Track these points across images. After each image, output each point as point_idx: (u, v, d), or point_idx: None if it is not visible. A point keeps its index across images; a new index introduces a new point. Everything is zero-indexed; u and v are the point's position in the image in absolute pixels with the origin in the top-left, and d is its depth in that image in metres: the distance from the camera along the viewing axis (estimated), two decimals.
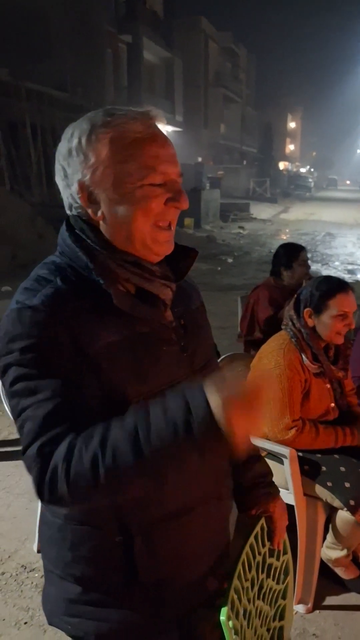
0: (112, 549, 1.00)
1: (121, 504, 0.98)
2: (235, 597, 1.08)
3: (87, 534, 1.01)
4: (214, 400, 0.82)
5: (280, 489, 2.08)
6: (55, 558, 1.06)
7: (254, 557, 1.21)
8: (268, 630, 1.34)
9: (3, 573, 2.40)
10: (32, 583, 2.33)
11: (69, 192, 1.00)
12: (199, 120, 30.44)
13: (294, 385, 2.04)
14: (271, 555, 1.31)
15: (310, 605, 2.13)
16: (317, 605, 2.16)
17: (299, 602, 2.14)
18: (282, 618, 1.39)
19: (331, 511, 2.11)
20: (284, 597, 1.38)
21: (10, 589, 2.30)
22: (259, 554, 1.24)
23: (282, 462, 2.07)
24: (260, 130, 45.87)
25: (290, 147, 67.13)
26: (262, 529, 1.27)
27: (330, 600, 2.19)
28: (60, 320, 0.92)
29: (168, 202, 0.98)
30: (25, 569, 2.43)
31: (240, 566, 1.13)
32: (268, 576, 1.30)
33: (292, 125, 66.31)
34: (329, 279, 2.14)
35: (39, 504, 2.40)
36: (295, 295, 2.19)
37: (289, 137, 65.19)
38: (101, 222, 0.99)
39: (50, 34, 17.02)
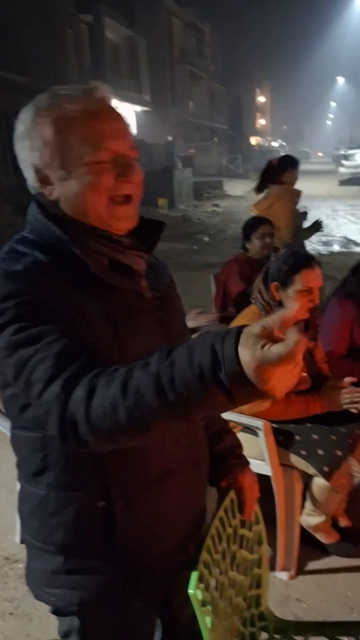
0: (94, 514, 1.00)
1: (106, 468, 0.99)
2: (205, 569, 1.08)
3: (70, 499, 1.01)
4: (246, 356, 0.71)
5: (256, 460, 2.12)
6: (36, 530, 1.06)
7: (224, 530, 1.22)
8: (245, 599, 1.36)
9: None
10: (15, 574, 2.33)
11: (26, 175, 1.03)
12: (166, 99, 30.05)
13: None
14: (243, 526, 1.32)
15: (292, 571, 2.17)
16: (300, 571, 2.20)
17: (281, 570, 2.18)
18: (258, 586, 1.42)
19: (307, 479, 2.14)
20: (259, 566, 1.41)
21: None
22: (230, 526, 1.25)
23: (257, 435, 2.09)
24: (230, 106, 45.52)
25: (261, 122, 66.81)
26: (232, 501, 1.28)
27: (312, 566, 2.23)
28: (44, 287, 0.92)
29: (118, 178, 0.99)
30: (8, 560, 2.43)
31: (209, 539, 1.13)
32: (241, 547, 1.31)
33: (261, 99, 65.88)
34: (296, 253, 2.14)
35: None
36: (264, 269, 2.19)
37: (259, 111, 64.81)
38: (57, 200, 1.00)
39: (7, 17, 16.55)
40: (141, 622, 1.15)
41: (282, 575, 2.17)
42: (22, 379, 0.88)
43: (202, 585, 1.04)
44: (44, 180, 1.00)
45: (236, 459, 1.34)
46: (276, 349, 0.68)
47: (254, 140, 52.56)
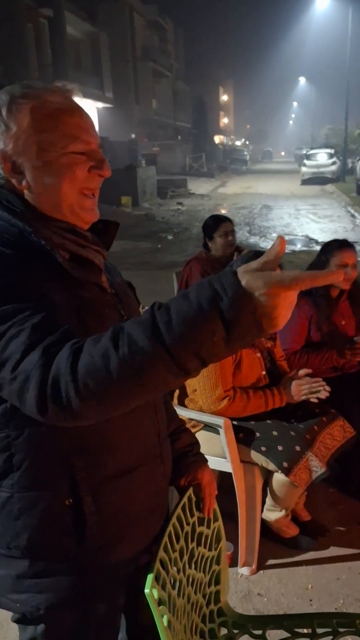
0: (61, 512, 0.99)
1: (73, 464, 0.98)
2: (162, 569, 1.09)
3: (36, 499, 0.99)
4: (257, 282, 0.72)
5: (217, 458, 2.14)
6: (0, 535, 1.03)
7: (182, 528, 1.23)
8: (204, 595, 1.38)
9: None
10: None
11: None
12: (129, 96, 29.89)
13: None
14: (201, 524, 1.34)
15: (254, 566, 2.20)
16: (261, 566, 2.23)
17: (243, 565, 2.20)
18: (217, 583, 1.43)
19: (268, 475, 2.17)
20: (217, 563, 1.42)
21: None
22: (187, 524, 1.26)
23: (218, 432, 2.11)
24: (193, 105, 45.62)
25: (224, 121, 67.24)
26: (189, 499, 1.29)
27: (273, 560, 2.27)
28: (14, 277, 0.91)
29: (92, 170, 1.01)
30: None
31: (166, 538, 1.14)
32: (199, 544, 1.32)
33: (224, 98, 66.30)
34: (258, 254, 2.16)
35: None
36: (227, 267, 2.20)
37: (222, 110, 65.20)
38: (26, 192, 1.00)
39: None
40: (106, 622, 1.15)
41: (244, 571, 2.20)
42: None
43: (158, 584, 1.05)
44: (13, 168, 0.99)
45: (194, 456, 1.35)
46: (290, 273, 0.71)
47: (217, 139, 52.86)
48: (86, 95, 22.73)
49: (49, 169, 0.98)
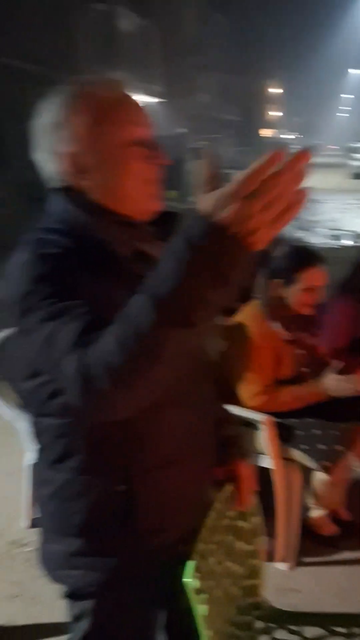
0: (114, 497, 1.04)
1: (125, 452, 1.02)
2: (201, 559, 1.12)
3: (92, 483, 1.04)
4: (205, 209, 0.73)
5: (257, 454, 2.16)
6: (55, 513, 1.09)
7: (220, 521, 1.25)
8: (241, 588, 1.40)
9: None
10: (22, 558, 2.39)
11: (52, 166, 1.03)
12: (177, 90, 29.86)
13: (265, 353, 2.08)
14: (240, 518, 1.36)
15: (291, 562, 2.21)
16: (299, 562, 2.24)
17: (280, 560, 2.21)
18: (255, 576, 1.45)
19: (308, 473, 2.17)
20: (255, 557, 1.44)
21: (1, 565, 2.36)
22: (226, 517, 1.28)
23: (257, 428, 2.12)
24: (241, 98, 45.14)
25: (273, 114, 66.22)
26: (228, 494, 1.31)
27: (311, 558, 2.27)
28: (78, 272, 0.94)
29: (150, 160, 1.03)
30: (15, 544, 2.48)
31: (204, 530, 1.17)
32: (237, 538, 1.34)
33: (273, 90, 65.27)
34: (301, 250, 2.16)
35: (26, 481, 2.47)
36: (268, 265, 2.21)
37: (271, 102, 64.23)
38: (89, 190, 1.02)
39: (20, 7, 16.51)
40: (150, 603, 1.19)
41: (281, 566, 2.21)
42: (46, 351, 0.88)
43: (197, 574, 1.08)
44: (75, 167, 1.01)
45: (235, 448, 1.36)
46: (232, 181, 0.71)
47: (265, 132, 52.16)
48: (135, 89, 22.85)
49: (109, 164, 1.01)
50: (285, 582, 2.14)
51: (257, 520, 1.42)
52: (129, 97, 1.04)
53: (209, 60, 35.33)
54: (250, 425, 2.17)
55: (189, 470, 1.13)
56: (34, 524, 2.55)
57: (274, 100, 66.09)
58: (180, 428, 1.11)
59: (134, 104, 1.05)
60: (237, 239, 0.72)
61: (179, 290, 0.74)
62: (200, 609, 1.06)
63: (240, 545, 1.36)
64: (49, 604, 2.10)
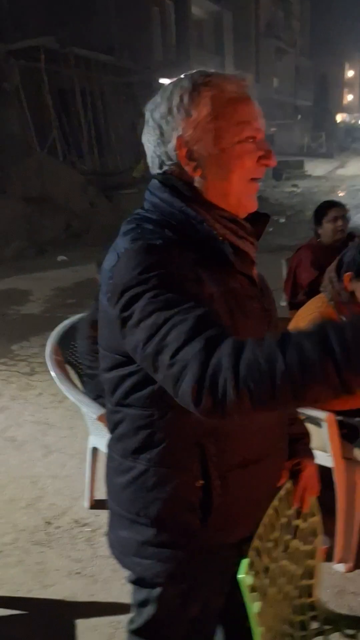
0: (191, 491, 1.06)
1: (205, 449, 1.03)
2: (256, 556, 1.12)
3: (170, 476, 1.06)
4: None
5: (319, 451, 2.11)
6: (130, 501, 1.12)
7: (278, 519, 1.24)
8: (297, 588, 1.39)
9: (57, 527, 2.56)
10: (83, 537, 2.48)
11: (162, 150, 1.04)
12: (249, 74, 29.32)
13: None
14: (298, 517, 1.34)
15: (350, 564, 2.16)
16: (358, 565, 2.18)
17: (339, 562, 2.17)
18: (311, 577, 1.43)
19: None
20: (312, 557, 1.42)
21: (64, 542, 2.46)
22: (284, 515, 1.27)
23: (319, 425, 2.08)
24: (316, 82, 43.76)
25: (349, 98, 63.71)
26: (287, 491, 1.30)
27: None
28: (180, 262, 0.96)
29: (260, 160, 1.03)
30: (77, 523, 2.58)
31: (261, 527, 1.16)
32: (295, 537, 1.33)
33: (350, 74, 62.72)
34: None
35: (89, 463, 2.55)
36: (339, 257, 2.14)
37: (347, 87, 61.78)
38: (197, 178, 1.04)
39: None
40: (213, 596, 1.21)
41: (340, 567, 2.17)
42: (154, 342, 0.88)
43: (252, 572, 1.08)
44: (188, 155, 1.02)
45: (303, 445, 1.36)
46: None
47: (340, 117, 50.33)
48: None
49: (222, 158, 1.01)
50: (343, 584, 2.10)
51: (315, 520, 1.40)
52: (247, 94, 1.04)
53: (283, 44, 34.45)
54: (311, 421, 2.13)
55: (265, 470, 1.14)
56: (96, 504, 2.64)
57: (351, 84, 63.48)
58: (263, 429, 1.12)
59: (252, 101, 1.05)
60: None
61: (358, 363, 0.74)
62: (254, 606, 1.06)
63: (298, 544, 1.35)
64: (108, 583, 2.17)
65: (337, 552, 2.17)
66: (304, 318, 2.12)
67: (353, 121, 50.82)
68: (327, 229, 3.13)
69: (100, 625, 2.01)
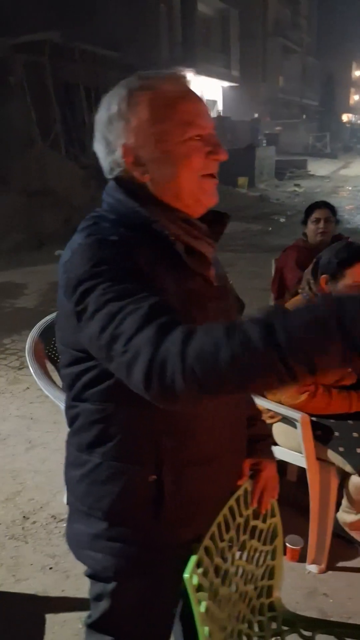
0: (144, 486, 1.06)
1: (160, 444, 1.03)
2: (206, 556, 1.11)
3: (123, 470, 1.06)
4: None
5: (294, 452, 2.11)
6: (84, 494, 1.12)
7: (234, 519, 1.24)
8: (256, 588, 1.38)
9: (34, 522, 2.56)
10: (59, 532, 2.48)
11: (111, 158, 1.05)
12: (256, 74, 29.27)
13: None
14: (256, 518, 1.33)
15: (323, 565, 2.15)
16: (331, 566, 2.18)
17: (312, 563, 2.17)
18: (271, 577, 1.43)
19: (344, 475, 2.10)
20: (272, 558, 1.42)
21: (40, 537, 2.46)
22: (241, 515, 1.27)
23: (295, 426, 2.07)
24: (322, 81, 43.62)
25: (355, 98, 63.49)
26: (245, 491, 1.29)
27: (344, 562, 2.20)
28: (134, 258, 0.95)
29: (209, 155, 1.03)
30: (55, 519, 2.58)
31: (214, 527, 1.16)
32: (252, 537, 1.32)
33: (357, 73, 62.50)
34: (350, 246, 2.07)
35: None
36: (315, 259, 2.13)
37: (354, 87, 61.56)
38: (148, 183, 1.03)
39: None
40: (167, 595, 1.20)
41: (312, 568, 2.16)
42: (108, 331, 0.88)
43: (199, 571, 1.07)
44: (135, 161, 1.02)
45: (264, 447, 1.35)
46: None
47: (345, 118, 50.16)
48: (212, 74, 22.66)
49: (168, 159, 1.01)
50: (315, 585, 2.10)
51: (275, 520, 1.40)
52: (191, 92, 1.04)
53: (291, 43, 34.34)
54: (288, 422, 2.13)
55: (221, 469, 1.14)
56: None
57: (358, 84, 63.26)
58: (217, 425, 1.11)
59: (196, 99, 1.04)
60: None
61: (304, 348, 0.74)
62: (200, 605, 1.06)
63: (256, 544, 1.34)
64: (80, 579, 2.17)
65: (310, 553, 2.16)
66: None
67: (359, 122, 50.64)
68: (310, 229, 3.13)
69: (69, 620, 2.01)
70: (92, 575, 1.18)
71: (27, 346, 2.51)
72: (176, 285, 1.00)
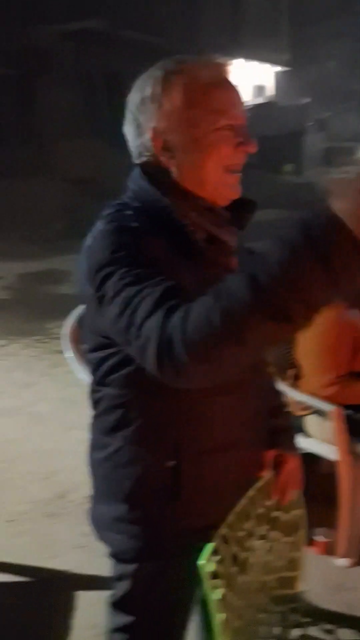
0: (162, 471, 1.08)
1: (178, 430, 1.05)
2: (223, 544, 1.12)
3: (142, 455, 1.09)
4: (338, 205, 0.69)
5: (326, 444, 2.09)
6: (105, 477, 1.16)
7: (255, 509, 1.24)
8: (277, 579, 1.38)
9: (70, 501, 2.65)
10: None
11: (140, 141, 1.05)
12: (307, 58, 28.51)
13: (342, 341, 1.99)
14: (279, 509, 1.33)
15: (352, 559, 2.13)
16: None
17: (341, 556, 2.15)
18: (294, 569, 1.43)
19: None
20: (296, 550, 1.41)
21: (74, 516, 2.54)
22: (262, 506, 1.26)
23: (326, 419, 2.05)
24: None
25: None
26: (267, 483, 1.29)
27: None
28: (153, 247, 0.97)
29: (238, 146, 1.02)
30: (90, 499, 2.64)
31: (232, 516, 1.16)
32: (274, 528, 1.32)
33: None
34: None
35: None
36: None
37: None
38: (173, 168, 1.04)
39: None
40: (185, 580, 1.22)
41: (342, 562, 2.14)
42: (125, 315, 0.90)
43: (216, 558, 1.08)
44: (163, 145, 1.02)
45: (287, 438, 1.34)
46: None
47: None
48: (261, 59, 22.23)
49: (196, 146, 1.00)
50: (342, 579, 2.08)
51: (299, 513, 1.39)
52: (227, 81, 1.03)
53: (345, 25, 33.18)
54: (322, 413, 2.11)
55: (239, 457, 1.14)
56: None
57: None
58: (236, 415, 1.11)
59: (232, 88, 1.03)
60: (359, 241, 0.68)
61: (284, 281, 0.72)
62: (214, 593, 1.07)
63: (278, 536, 1.34)
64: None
65: (339, 546, 2.14)
66: None
67: None
68: None
69: (99, 599, 2.05)
70: (114, 556, 1.21)
71: (64, 331, 2.57)
72: (194, 274, 1.00)
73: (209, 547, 1.07)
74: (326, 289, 0.71)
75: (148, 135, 1.03)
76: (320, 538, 2.15)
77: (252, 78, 23.46)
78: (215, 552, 1.09)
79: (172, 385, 0.87)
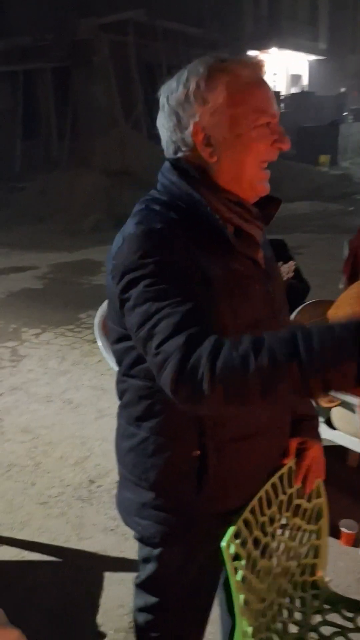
0: (187, 460, 1.12)
1: (202, 421, 1.09)
2: (245, 528, 1.16)
3: (168, 445, 1.13)
4: None
5: (353, 437, 2.09)
6: (132, 465, 1.20)
7: (277, 496, 1.27)
8: (299, 565, 1.41)
9: (100, 486, 2.72)
10: None
11: (179, 136, 1.07)
12: (345, 47, 27.85)
13: None
14: (301, 497, 1.35)
15: None
16: None
17: None
18: (316, 556, 1.45)
19: None
20: (318, 537, 1.44)
21: (103, 500, 2.61)
22: (284, 493, 1.29)
23: (355, 412, 2.05)
24: None
25: None
26: (289, 470, 1.32)
27: None
28: (178, 246, 1.01)
29: (274, 144, 1.06)
30: None
31: (255, 501, 1.20)
32: (296, 515, 1.35)
33: None
34: None
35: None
36: None
37: None
38: (212, 164, 1.06)
39: None
40: (208, 564, 1.26)
41: None
42: (145, 328, 0.95)
43: (237, 541, 1.12)
44: (205, 141, 1.04)
45: (310, 427, 1.36)
46: None
47: None
48: (298, 47, 21.86)
49: (238, 143, 1.03)
50: None
51: (321, 501, 1.41)
52: (264, 80, 1.06)
53: None
54: (347, 406, 2.11)
55: (262, 445, 1.18)
56: None
57: None
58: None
59: (268, 87, 1.06)
60: None
61: (322, 369, 0.80)
62: (236, 574, 1.11)
63: (300, 523, 1.37)
64: (137, 542, 2.28)
65: None
66: (344, 303, 2.07)
67: None
68: None
69: (125, 580, 2.13)
70: (140, 539, 1.26)
71: (95, 320, 2.64)
72: (222, 266, 1.04)
73: (232, 530, 1.11)
74: (351, 386, 0.81)
75: (189, 130, 1.04)
76: (345, 529, 2.15)
77: (287, 67, 23.08)
78: (237, 535, 1.12)
79: (179, 405, 0.92)
